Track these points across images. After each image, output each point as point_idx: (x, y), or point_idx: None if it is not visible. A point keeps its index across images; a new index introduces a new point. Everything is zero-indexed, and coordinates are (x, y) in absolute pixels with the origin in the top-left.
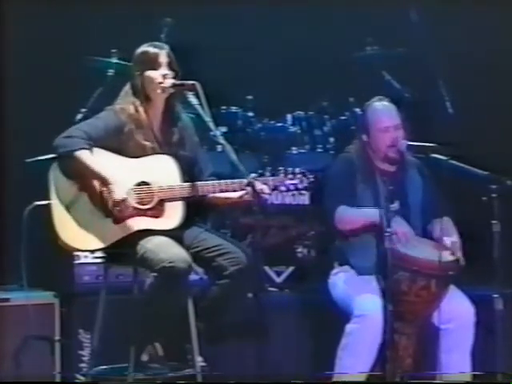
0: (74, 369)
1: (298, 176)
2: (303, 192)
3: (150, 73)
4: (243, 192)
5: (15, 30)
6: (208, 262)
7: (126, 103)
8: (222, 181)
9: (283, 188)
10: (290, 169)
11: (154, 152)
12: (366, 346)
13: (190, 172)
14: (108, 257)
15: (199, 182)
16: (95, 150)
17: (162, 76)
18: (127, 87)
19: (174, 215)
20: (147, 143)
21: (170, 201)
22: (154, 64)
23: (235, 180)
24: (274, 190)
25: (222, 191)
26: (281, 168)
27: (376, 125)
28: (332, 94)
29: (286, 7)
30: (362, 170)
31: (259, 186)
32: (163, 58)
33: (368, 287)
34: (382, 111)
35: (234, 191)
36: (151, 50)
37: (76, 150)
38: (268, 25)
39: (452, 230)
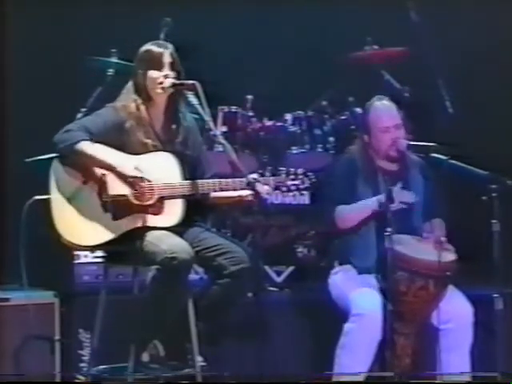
0: (74, 368)
1: (300, 177)
2: (304, 193)
3: (152, 72)
4: (244, 191)
5: (16, 30)
6: (208, 262)
7: (127, 101)
8: (222, 179)
9: (284, 188)
10: (292, 169)
11: (155, 149)
12: (364, 345)
13: (192, 171)
14: (108, 255)
15: (200, 180)
16: (96, 145)
17: (163, 76)
18: (129, 85)
19: (173, 212)
20: (148, 141)
21: (170, 198)
22: (156, 63)
23: (236, 179)
24: (275, 190)
25: (222, 190)
26: (282, 168)
27: (376, 125)
28: (332, 94)
29: (285, 7)
30: (365, 170)
31: (260, 185)
32: (166, 58)
33: (367, 286)
34: (383, 111)
35: (235, 190)
36: (155, 49)
37: (76, 143)
38: (268, 25)
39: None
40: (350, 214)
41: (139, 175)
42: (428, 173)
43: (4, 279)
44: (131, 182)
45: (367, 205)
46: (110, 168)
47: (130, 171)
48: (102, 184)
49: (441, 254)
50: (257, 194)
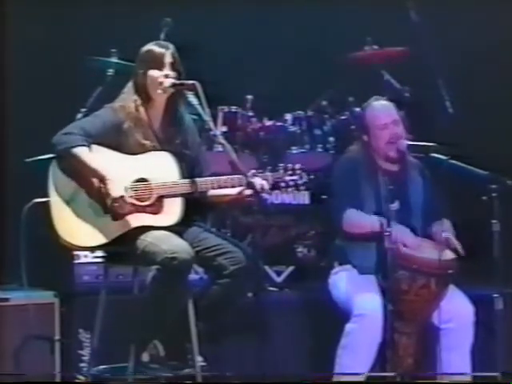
0: (74, 368)
1: (298, 172)
2: (302, 188)
3: (152, 72)
4: (242, 188)
5: (16, 30)
6: (208, 262)
7: (126, 101)
8: (221, 177)
9: (283, 184)
10: (290, 165)
11: (154, 150)
12: (366, 345)
13: (190, 171)
14: (108, 255)
15: (198, 178)
16: (94, 146)
17: (164, 76)
18: (129, 85)
19: (173, 212)
20: (147, 142)
21: (168, 197)
22: (157, 64)
23: (234, 176)
24: (273, 186)
25: (220, 187)
26: (280, 164)
27: (374, 123)
28: (332, 94)
29: (285, 7)
30: (366, 170)
31: (258, 182)
32: (167, 58)
33: (367, 286)
34: (380, 109)
35: (233, 187)
36: (156, 49)
37: (74, 147)
38: (268, 25)
39: (448, 228)
40: (360, 222)
41: (128, 196)
42: (427, 175)
43: (4, 279)
44: (120, 200)
45: (373, 221)
46: (103, 180)
47: (119, 191)
48: (99, 186)
49: (442, 252)
50: (256, 191)
